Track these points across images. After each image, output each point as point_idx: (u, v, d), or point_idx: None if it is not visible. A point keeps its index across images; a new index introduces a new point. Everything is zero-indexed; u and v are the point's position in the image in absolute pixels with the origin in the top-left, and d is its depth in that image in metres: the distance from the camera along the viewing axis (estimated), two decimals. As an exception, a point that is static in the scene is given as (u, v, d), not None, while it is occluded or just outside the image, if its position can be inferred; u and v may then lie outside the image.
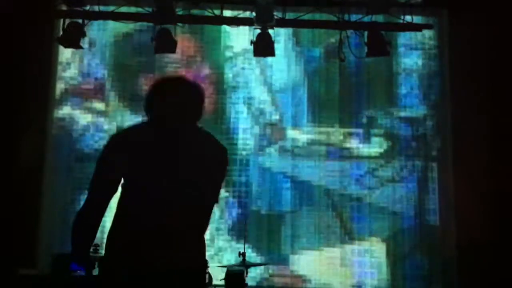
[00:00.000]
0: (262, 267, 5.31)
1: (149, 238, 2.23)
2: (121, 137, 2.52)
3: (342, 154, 5.74)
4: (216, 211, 5.54)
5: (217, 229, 5.54)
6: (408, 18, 5.44)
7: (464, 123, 5.55)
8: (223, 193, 5.58)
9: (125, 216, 2.33)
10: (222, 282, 4.23)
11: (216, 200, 2.56)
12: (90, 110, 5.77)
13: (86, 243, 2.30)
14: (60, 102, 5.77)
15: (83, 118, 5.72)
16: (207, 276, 2.33)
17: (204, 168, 2.48)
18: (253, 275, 5.12)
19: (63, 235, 5.14)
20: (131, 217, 2.31)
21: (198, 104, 2.61)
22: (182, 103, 2.54)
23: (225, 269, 4.33)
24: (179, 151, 2.45)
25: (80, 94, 5.80)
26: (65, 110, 5.75)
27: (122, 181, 2.34)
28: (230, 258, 5.29)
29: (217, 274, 4.34)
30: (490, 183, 5.29)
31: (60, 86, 5.79)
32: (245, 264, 3.92)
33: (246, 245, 4.49)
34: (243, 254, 4.09)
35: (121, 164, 2.35)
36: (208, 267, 2.35)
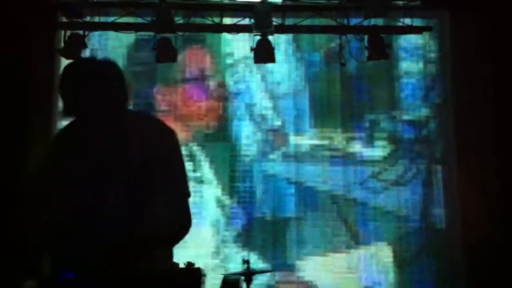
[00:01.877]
0: (268, 274, 5.30)
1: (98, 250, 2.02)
2: (50, 146, 2.34)
3: (345, 158, 5.72)
4: (221, 218, 5.55)
5: (223, 237, 5.53)
6: (408, 21, 5.46)
7: (468, 125, 5.52)
8: (226, 200, 5.58)
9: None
10: None
11: (184, 192, 2.19)
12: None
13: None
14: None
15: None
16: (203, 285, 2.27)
17: (144, 155, 2.10)
18: (258, 282, 5.10)
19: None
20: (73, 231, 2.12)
21: (113, 85, 2.17)
22: (89, 87, 2.12)
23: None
24: (110, 142, 2.12)
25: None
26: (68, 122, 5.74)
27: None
28: (236, 266, 5.27)
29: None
30: (495, 184, 5.27)
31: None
32: (249, 272, 3.90)
33: (251, 252, 4.47)
34: (247, 262, 4.07)
35: (61, 176, 2.14)
36: (205, 275, 2.29)
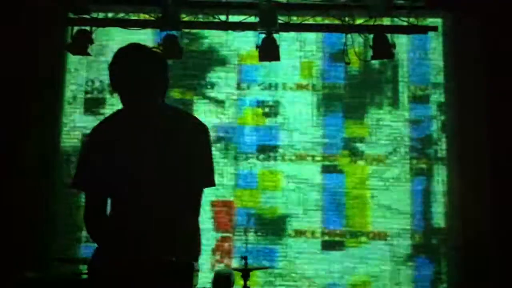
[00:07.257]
0: (267, 270, 5.33)
1: (137, 235, 2.17)
2: (95, 133, 2.46)
3: (348, 156, 5.75)
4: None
5: (222, 233, 5.58)
6: (412, 20, 5.46)
7: (471, 125, 5.52)
8: (229, 197, 5.62)
9: (113, 215, 2.34)
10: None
11: (209, 183, 2.39)
12: (100, 117, 5.83)
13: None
14: (70, 109, 5.85)
15: (93, 125, 5.77)
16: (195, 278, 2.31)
17: (179, 149, 2.28)
18: (256, 278, 5.15)
19: (70, 239, 5.41)
20: (118, 216, 2.31)
21: (155, 74, 2.29)
22: (132, 74, 2.24)
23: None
24: (149, 135, 2.27)
25: (90, 101, 5.88)
26: (74, 117, 5.83)
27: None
28: (234, 262, 5.34)
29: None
30: (496, 185, 5.26)
31: (69, 93, 5.87)
32: (247, 268, 3.94)
33: (251, 249, 4.51)
34: (245, 258, 4.10)
35: (102, 163, 2.30)
36: (198, 270, 2.33)
